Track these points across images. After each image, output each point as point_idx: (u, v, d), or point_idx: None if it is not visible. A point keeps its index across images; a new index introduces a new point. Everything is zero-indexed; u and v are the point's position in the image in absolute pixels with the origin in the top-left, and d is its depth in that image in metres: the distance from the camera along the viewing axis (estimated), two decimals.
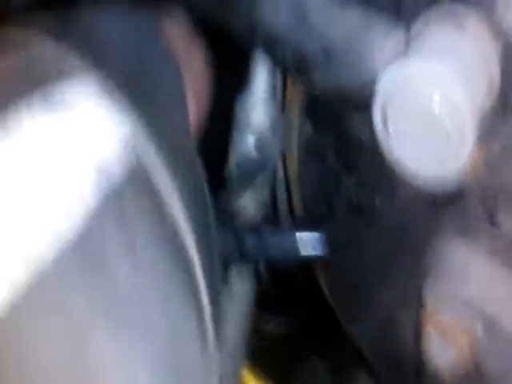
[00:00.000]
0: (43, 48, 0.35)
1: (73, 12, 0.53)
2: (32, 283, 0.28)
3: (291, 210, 0.79)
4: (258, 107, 0.73)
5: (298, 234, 0.69)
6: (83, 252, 0.30)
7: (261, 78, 0.73)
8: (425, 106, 0.48)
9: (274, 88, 0.74)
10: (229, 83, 0.73)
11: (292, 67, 0.56)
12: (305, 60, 0.53)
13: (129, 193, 0.33)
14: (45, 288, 0.28)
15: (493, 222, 0.56)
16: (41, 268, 0.28)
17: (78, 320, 0.29)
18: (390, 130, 0.51)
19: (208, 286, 0.37)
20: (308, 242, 0.69)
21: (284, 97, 0.73)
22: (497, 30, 0.50)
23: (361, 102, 0.52)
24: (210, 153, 0.47)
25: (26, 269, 0.28)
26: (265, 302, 1.00)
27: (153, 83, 0.41)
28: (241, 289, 0.77)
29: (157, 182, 0.35)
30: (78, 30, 0.41)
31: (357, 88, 0.52)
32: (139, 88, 0.39)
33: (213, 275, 0.38)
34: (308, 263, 0.72)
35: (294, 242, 0.68)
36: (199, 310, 0.36)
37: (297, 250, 0.69)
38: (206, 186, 0.43)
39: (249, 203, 0.73)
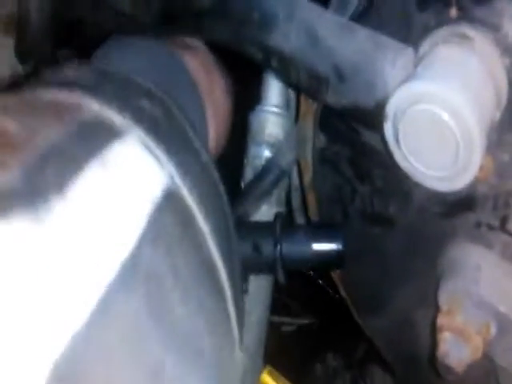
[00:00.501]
0: (92, 111, 0.37)
1: (104, 55, 0.55)
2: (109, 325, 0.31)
3: (306, 216, 0.80)
4: (271, 119, 0.74)
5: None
6: (150, 297, 0.33)
7: (274, 91, 0.74)
8: (434, 123, 0.49)
9: (287, 100, 0.75)
10: (242, 96, 0.74)
11: (306, 88, 0.57)
12: (318, 81, 0.54)
13: (175, 234, 0.36)
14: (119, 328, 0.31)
15: (505, 229, 0.58)
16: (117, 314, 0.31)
17: (153, 357, 0.32)
18: (402, 145, 0.52)
19: (237, 316, 0.40)
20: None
21: (298, 108, 0.74)
22: (504, 45, 0.51)
23: (373, 118, 0.54)
24: (225, 166, 0.49)
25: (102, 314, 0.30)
26: (279, 301, 1.02)
27: (182, 123, 0.43)
28: (258, 295, 0.79)
29: (196, 220, 0.38)
30: (113, 82, 0.43)
31: (368, 106, 0.53)
32: (172, 133, 0.42)
33: (239, 303, 0.41)
34: (323, 264, 0.73)
35: (310, 244, 0.69)
36: (232, 343, 0.39)
37: (312, 250, 0.69)
38: (230, 212, 0.46)
39: (265, 215, 0.74)
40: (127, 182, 0.35)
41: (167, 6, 0.64)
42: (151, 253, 0.34)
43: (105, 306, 0.30)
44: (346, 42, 0.53)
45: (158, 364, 0.32)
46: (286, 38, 0.55)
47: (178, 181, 0.37)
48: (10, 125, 0.33)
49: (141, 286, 0.32)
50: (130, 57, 0.57)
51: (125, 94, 0.41)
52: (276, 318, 1.12)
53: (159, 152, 0.37)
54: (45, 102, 0.38)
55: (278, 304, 0.98)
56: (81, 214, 0.32)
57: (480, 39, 0.51)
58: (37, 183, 0.31)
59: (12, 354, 0.27)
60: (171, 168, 0.37)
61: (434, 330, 0.60)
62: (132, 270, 0.32)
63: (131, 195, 0.34)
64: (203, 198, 0.39)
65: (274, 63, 0.56)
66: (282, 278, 0.69)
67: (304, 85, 0.56)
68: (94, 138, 0.35)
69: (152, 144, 0.37)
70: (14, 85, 0.42)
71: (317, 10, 0.56)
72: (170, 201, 0.36)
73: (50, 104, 0.38)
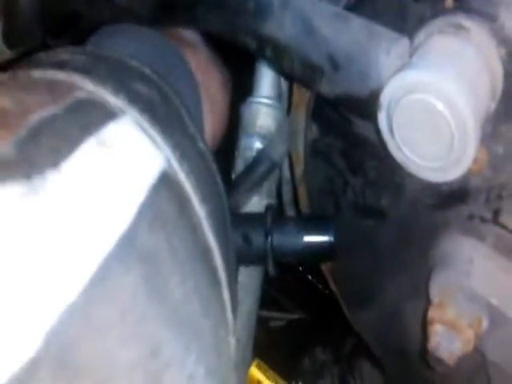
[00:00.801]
0: (86, 90, 0.37)
1: (97, 42, 0.55)
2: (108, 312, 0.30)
3: (297, 209, 0.80)
4: (263, 111, 0.73)
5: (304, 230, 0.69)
6: (148, 276, 0.32)
7: (266, 82, 0.74)
8: (429, 114, 0.49)
9: (279, 91, 0.75)
10: (234, 87, 0.74)
11: (300, 77, 0.57)
12: (312, 70, 0.54)
13: (171, 216, 0.36)
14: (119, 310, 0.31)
15: (497, 221, 0.57)
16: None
17: (151, 335, 0.32)
18: (396, 135, 0.52)
19: (231, 300, 0.40)
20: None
21: (290, 99, 0.73)
22: (500, 35, 0.51)
23: (367, 108, 0.53)
24: (215, 157, 0.48)
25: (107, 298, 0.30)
26: (268, 295, 1.01)
27: (178, 108, 0.43)
28: (248, 286, 0.78)
29: (191, 204, 0.38)
30: (107, 65, 0.43)
31: (363, 96, 0.53)
32: (168, 116, 0.41)
33: (232, 288, 0.41)
34: (314, 256, 0.72)
35: (301, 236, 0.69)
36: (226, 326, 0.39)
37: (302, 242, 0.69)
38: (225, 199, 0.45)
39: (256, 207, 0.74)
40: (122, 160, 0.34)
41: None
42: (148, 231, 0.33)
43: (100, 279, 0.30)
44: (340, 31, 0.53)
45: (156, 343, 0.32)
46: (281, 27, 0.54)
47: (175, 163, 0.37)
48: (4, 101, 0.33)
49: (138, 263, 0.32)
50: (123, 42, 0.57)
51: (119, 76, 0.41)
52: (265, 313, 1.12)
53: (155, 133, 0.37)
54: (38, 80, 0.37)
55: (268, 299, 0.98)
56: (76, 186, 0.31)
57: (476, 29, 0.51)
58: (31, 155, 0.31)
59: (1, 323, 0.26)
60: (167, 150, 0.37)
61: (424, 322, 0.60)
62: (128, 245, 0.32)
63: (127, 174, 0.34)
64: (200, 183, 0.39)
65: (268, 52, 0.56)
66: (272, 269, 0.69)
67: (298, 74, 0.56)
68: (87, 116, 0.35)
69: (147, 125, 0.37)
70: (1, 69, 0.41)
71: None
72: (166, 183, 0.36)
73: (44, 82, 0.37)
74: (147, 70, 0.44)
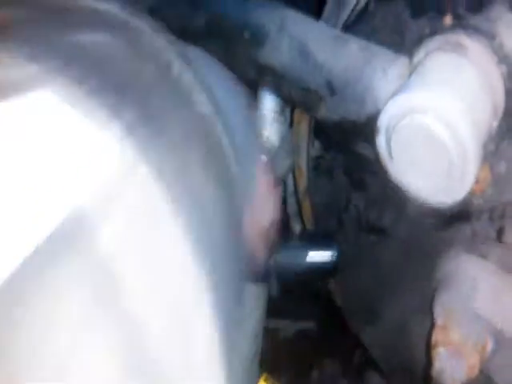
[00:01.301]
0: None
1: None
2: None
3: (302, 221, 0.79)
4: (267, 126, 0.72)
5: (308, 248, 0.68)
6: None
7: (269, 98, 0.73)
8: (428, 137, 0.47)
9: (282, 107, 0.74)
10: None
11: (298, 103, 0.56)
12: (310, 96, 0.53)
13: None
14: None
15: (501, 240, 0.56)
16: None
17: None
18: (394, 157, 0.51)
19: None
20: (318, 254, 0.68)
21: (292, 115, 0.72)
22: (500, 53, 0.50)
23: (365, 132, 0.52)
24: None
25: None
26: (278, 308, 1.00)
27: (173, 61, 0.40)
28: (254, 302, 0.77)
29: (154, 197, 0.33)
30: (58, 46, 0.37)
31: (360, 120, 0.52)
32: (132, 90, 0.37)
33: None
34: (317, 274, 0.71)
35: (305, 254, 0.68)
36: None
37: (307, 261, 0.68)
38: (233, 164, 0.43)
39: None
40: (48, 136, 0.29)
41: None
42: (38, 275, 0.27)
43: None
44: (336, 56, 0.52)
45: None
46: (278, 55, 0.54)
47: (132, 149, 0.31)
48: None
49: None
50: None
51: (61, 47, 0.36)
52: (273, 323, 1.11)
53: (103, 114, 0.31)
54: None
55: (277, 308, 0.97)
56: None
57: (475, 47, 0.49)
58: None
59: None
60: (120, 131, 0.32)
61: (428, 345, 0.59)
62: None
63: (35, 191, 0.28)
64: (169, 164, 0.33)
65: (267, 80, 0.56)
66: (274, 289, 0.68)
67: (296, 100, 0.56)
68: None
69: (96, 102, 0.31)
70: None
71: (308, 23, 0.54)
72: (122, 175, 0.31)
73: None
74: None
